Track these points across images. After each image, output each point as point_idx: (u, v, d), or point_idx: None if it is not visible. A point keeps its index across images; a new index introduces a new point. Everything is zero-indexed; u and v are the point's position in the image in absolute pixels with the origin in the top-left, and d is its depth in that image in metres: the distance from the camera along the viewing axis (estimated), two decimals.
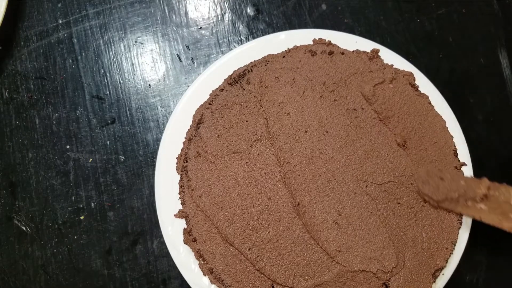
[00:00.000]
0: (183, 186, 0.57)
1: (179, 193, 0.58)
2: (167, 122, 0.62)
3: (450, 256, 0.55)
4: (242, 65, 0.60)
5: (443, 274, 0.55)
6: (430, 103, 0.59)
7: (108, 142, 0.66)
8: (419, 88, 0.60)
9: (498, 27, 0.71)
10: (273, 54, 0.61)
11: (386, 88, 0.59)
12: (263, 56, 0.61)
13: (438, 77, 0.68)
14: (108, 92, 0.68)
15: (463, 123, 0.61)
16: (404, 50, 0.69)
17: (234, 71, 0.60)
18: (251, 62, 0.61)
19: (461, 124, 0.60)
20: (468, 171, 0.58)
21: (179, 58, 0.69)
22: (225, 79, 0.60)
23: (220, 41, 0.69)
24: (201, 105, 0.60)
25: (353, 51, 0.61)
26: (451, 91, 0.67)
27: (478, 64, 0.70)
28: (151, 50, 0.69)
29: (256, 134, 0.57)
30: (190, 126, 0.59)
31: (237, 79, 0.59)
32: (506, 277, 0.64)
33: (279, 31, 0.65)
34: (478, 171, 0.62)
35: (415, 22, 0.70)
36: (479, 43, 0.70)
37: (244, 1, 0.70)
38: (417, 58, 0.69)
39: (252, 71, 0.60)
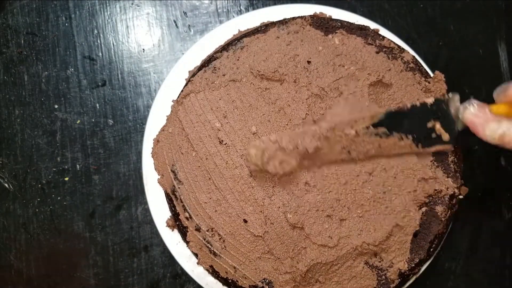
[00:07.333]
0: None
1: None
2: (159, 88, 0.61)
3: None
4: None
5: None
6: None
7: (97, 105, 0.65)
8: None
9: (500, 19, 0.70)
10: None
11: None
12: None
13: (436, 65, 0.67)
14: (100, 54, 0.66)
15: None
16: (404, 34, 0.68)
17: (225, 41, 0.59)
18: (240, 31, 0.59)
19: None
20: None
21: (176, 24, 0.67)
22: (216, 48, 0.59)
23: (219, 10, 0.68)
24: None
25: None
26: (448, 79, 0.66)
27: (477, 55, 0.69)
28: (147, 13, 0.67)
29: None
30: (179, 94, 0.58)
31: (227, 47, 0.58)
32: (484, 265, 0.65)
33: (280, 4, 0.63)
34: (468, 156, 0.62)
35: (418, 7, 0.69)
36: (480, 34, 0.70)
37: None
38: (417, 43, 0.68)
39: (243, 42, 0.58)
